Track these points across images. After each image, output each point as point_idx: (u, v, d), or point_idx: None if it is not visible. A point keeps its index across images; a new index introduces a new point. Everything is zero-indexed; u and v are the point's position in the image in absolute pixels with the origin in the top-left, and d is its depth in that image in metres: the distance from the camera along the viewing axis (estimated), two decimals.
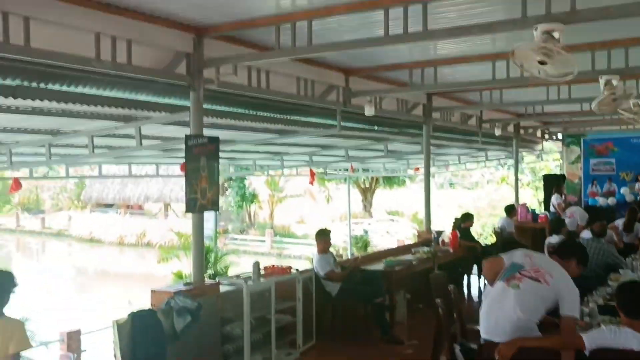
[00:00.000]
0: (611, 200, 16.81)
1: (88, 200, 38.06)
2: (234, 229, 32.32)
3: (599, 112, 7.07)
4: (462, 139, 13.78)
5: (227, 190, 30.21)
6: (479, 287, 10.64)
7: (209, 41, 6.05)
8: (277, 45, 5.68)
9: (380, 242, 24.29)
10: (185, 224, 18.30)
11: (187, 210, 6.00)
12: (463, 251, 10.19)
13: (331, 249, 8.00)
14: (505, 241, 10.91)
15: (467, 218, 10.85)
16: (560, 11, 4.40)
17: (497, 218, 26.94)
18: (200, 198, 5.92)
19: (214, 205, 6.25)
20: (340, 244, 20.79)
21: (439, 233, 10.69)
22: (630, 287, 4.01)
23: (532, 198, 26.39)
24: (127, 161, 12.74)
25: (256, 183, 31.50)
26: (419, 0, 5.00)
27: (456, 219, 11.78)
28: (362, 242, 20.56)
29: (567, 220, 10.68)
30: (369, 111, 8.17)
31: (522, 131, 15.68)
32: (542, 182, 30.87)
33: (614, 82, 6.79)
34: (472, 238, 10.86)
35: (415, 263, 8.68)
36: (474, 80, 8.53)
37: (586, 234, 9.92)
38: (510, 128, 14.94)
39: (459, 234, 10.24)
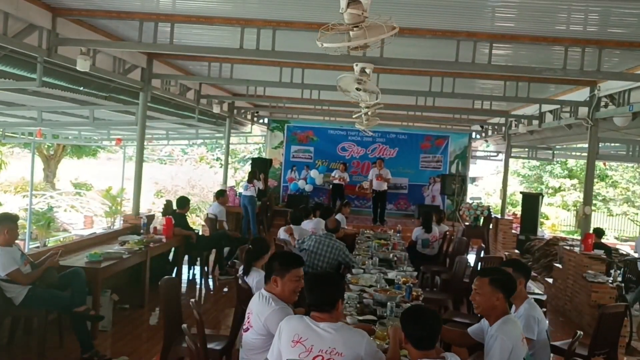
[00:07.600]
0: (308, 187, 17.48)
1: None
2: None
3: (338, 87, 6.51)
4: (178, 113, 12.44)
5: None
6: (188, 278, 9.65)
7: None
8: None
9: (66, 218, 21.37)
10: None
11: None
12: (178, 241, 8.98)
13: (19, 241, 6.00)
14: (219, 236, 10.00)
15: (184, 203, 9.56)
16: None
17: (196, 198, 26.42)
18: None
19: None
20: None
21: (150, 219, 9.28)
22: (417, 315, 3.26)
23: (231, 179, 26.30)
24: None
25: None
26: None
27: (168, 202, 10.46)
28: (45, 219, 17.54)
29: None
30: (82, 65, 6.33)
31: (235, 111, 15.07)
32: (240, 164, 31.40)
33: (367, 70, 6.37)
34: (188, 226, 9.64)
35: (126, 257, 7.11)
36: (215, 46, 7.33)
37: (307, 225, 9.49)
38: (225, 107, 14.16)
39: (173, 221, 8.92)
